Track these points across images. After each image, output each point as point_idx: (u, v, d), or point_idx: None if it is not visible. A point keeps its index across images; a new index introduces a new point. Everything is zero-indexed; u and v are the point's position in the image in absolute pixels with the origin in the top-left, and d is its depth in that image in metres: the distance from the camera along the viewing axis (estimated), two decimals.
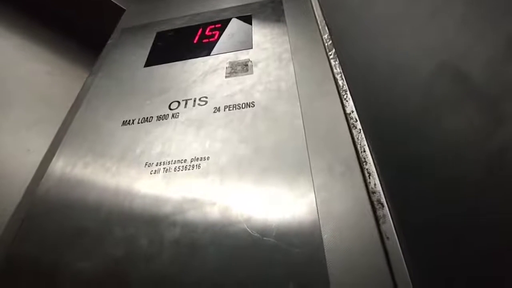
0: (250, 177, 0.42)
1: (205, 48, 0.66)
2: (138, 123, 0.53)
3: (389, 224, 0.35)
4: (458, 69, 0.26)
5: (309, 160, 0.42)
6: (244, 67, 0.58)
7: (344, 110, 0.47)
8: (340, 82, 0.51)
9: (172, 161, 0.46)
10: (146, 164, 0.47)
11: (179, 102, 0.55)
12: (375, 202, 0.37)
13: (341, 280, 0.33)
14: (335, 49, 0.56)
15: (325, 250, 0.35)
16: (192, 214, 0.40)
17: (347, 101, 0.48)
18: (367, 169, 0.40)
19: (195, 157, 0.46)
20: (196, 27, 0.72)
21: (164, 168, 0.46)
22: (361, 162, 0.41)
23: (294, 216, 0.37)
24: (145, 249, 0.38)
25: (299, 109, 0.48)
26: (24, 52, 0.84)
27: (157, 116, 0.54)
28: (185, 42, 0.69)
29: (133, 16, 0.85)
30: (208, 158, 0.45)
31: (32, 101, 0.77)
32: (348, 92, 0.49)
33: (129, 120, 0.54)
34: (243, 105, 0.51)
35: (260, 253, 0.35)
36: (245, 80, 0.56)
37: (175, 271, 0.36)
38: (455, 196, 0.27)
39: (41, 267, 0.39)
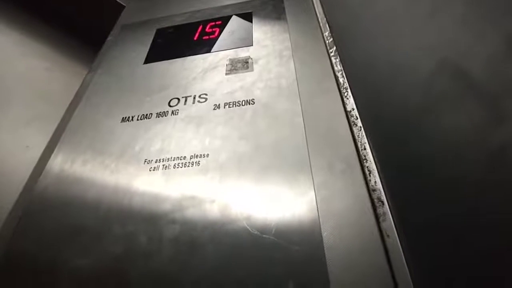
0: (250, 175, 0.42)
1: (205, 45, 0.65)
2: (138, 120, 0.53)
3: (389, 222, 0.35)
4: (458, 67, 0.26)
5: (309, 157, 0.42)
6: (245, 64, 0.58)
7: (345, 108, 0.47)
8: (340, 80, 0.51)
9: (171, 158, 0.46)
10: (145, 161, 0.46)
11: (178, 99, 0.55)
12: (376, 200, 0.37)
13: (341, 278, 0.33)
14: (336, 47, 0.56)
15: (325, 248, 0.35)
16: (192, 212, 0.40)
17: (347, 98, 0.48)
18: (367, 167, 0.40)
19: (194, 154, 0.46)
20: (196, 24, 0.72)
21: (163, 165, 0.45)
22: (361, 160, 0.41)
23: (294, 214, 0.37)
24: (144, 247, 0.38)
25: (300, 106, 0.48)
26: (23, 48, 0.84)
27: (157, 113, 0.53)
28: (185, 39, 0.69)
29: (133, 12, 0.84)
30: (207, 155, 0.45)
31: (31, 97, 0.77)
32: (348, 90, 0.49)
33: (129, 117, 0.54)
34: (243, 102, 0.51)
35: (260, 251, 0.35)
36: (245, 77, 0.55)
37: (174, 269, 0.36)
38: (456, 194, 0.27)
39: (39, 264, 0.39)
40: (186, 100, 0.54)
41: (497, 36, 0.22)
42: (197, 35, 0.69)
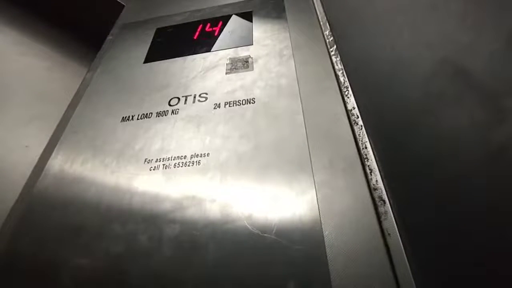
0: (250, 174, 0.42)
1: (205, 44, 0.65)
2: (138, 119, 0.53)
3: (390, 220, 0.35)
4: (459, 65, 0.26)
5: (310, 156, 0.42)
6: (245, 64, 0.58)
7: (346, 107, 0.47)
8: (341, 79, 0.51)
9: (171, 157, 0.46)
10: (145, 161, 0.46)
11: (179, 98, 0.55)
12: (377, 199, 0.37)
13: (342, 277, 0.33)
14: (336, 45, 0.56)
15: (326, 247, 0.35)
16: (192, 211, 0.40)
17: (348, 97, 0.48)
18: (368, 166, 0.40)
19: (195, 154, 0.46)
20: (196, 23, 0.72)
21: (163, 165, 0.45)
22: (362, 159, 0.41)
23: (295, 213, 0.37)
24: (144, 246, 0.38)
25: (300, 105, 0.48)
26: (23, 47, 0.84)
27: (157, 112, 0.53)
28: (185, 38, 0.69)
29: (133, 12, 0.84)
30: (208, 154, 0.45)
31: (30, 97, 0.77)
32: (349, 89, 0.49)
33: (129, 116, 0.54)
34: (244, 101, 0.51)
35: (261, 250, 0.35)
36: (246, 77, 0.55)
37: (174, 268, 0.36)
38: (456, 193, 0.26)
39: (40, 263, 0.39)
40: (186, 100, 0.54)
41: (498, 33, 0.22)
42: (197, 34, 0.69)
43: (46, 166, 0.49)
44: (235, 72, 0.57)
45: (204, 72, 0.59)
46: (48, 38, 0.90)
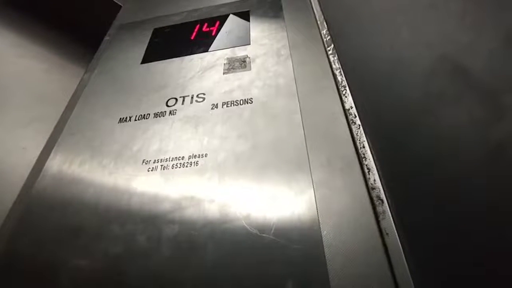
0: (248, 174, 0.42)
1: (202, 44, 0.65)
2: (135, 120, 0.53)
3: (388, 220, 0.35)
4: (457, 64, 0.26)
5: (308, 156, 0.42)
6: (242, 63, 0.58)
7: (343, 106, 0.47)
8: (339, 78, 0.50)
9: (169, 158, 0.46)
10: (143, 162, 0.46)
11: (176, 99, 0.55)
12: (375, 198, 0.37)
13: (341, 276, 0.33)
14: (334, 45, 0.56)
15: (325, 246, 0.35)
16: (191, 211, 0.40)
17: (346, 96, 0.48)
18: (366, 165, 0.40)
19: (193, 154, 0.46)
20: (194, 23, 0.72)
21: (161, 166, 0.45)
22: (360, 158, 0.41)
23: (293, 213, 0.37)
24: (143, 246, 0.38)
25: (298, 105, 0.48)
26: (21, 50, 0.83)
27: (154, 113, 0.53)
28: (182, 39, 0.68)
29: (130, 12, 0.84)
30: (206, 155, 0.45)
31: (28, 99, 0.76)
32: (347, 88, 0.48)
33: (126, 118, 0.54)
34: (241, 101, 0.51)
35: (259, 250, 0.35)
36: (243, 76, 0.55)
37: (173, 268, 0.36)
38: (455, 192, 0.26)
39: (39, 264, 0.39)
40: (184, 100, 0.54)
41: (497, 32, 0.22)
42: (194, 34, 0.69)
43: (44, 167, 0.49)
44: (232, 72, 0.57)
45: (202, 72, 0.59)
46: (45, 40, 0.90)
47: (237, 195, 0.40)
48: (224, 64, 0.59)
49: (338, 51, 0.54)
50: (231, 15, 0.71)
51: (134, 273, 0.36)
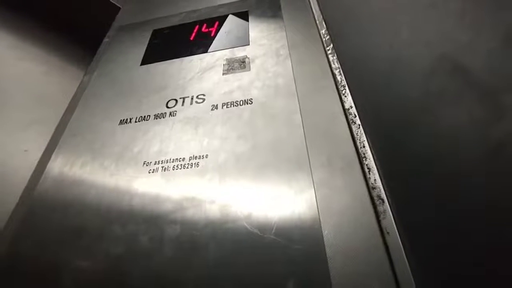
0: (249, 174, 0.42)
1: (201, 45, 0.65)
2: (136, 122, 0.53)
3: (389, 219, 0.35)
4: (457, 63, 0.26)
5: (308, 156, 0.42)
6: (241, 64, 0.58)
7: (343, 106, 0.47)
8: (338, 77, 0.51)
9: (170, 159, 0.46)
10: (144, 163, 0.46)
11: (176, 100, 0.55)
12: (375, 198, 0.37)
13: (342, 275, 0.33)
14: (333, 44, 0.56)
15: (326, 246, 0.35)
16: (192, 212, 0.40)
17: (345, 96, 0.48)
18: (366, 165, 0.40)
19: (193, 155, 0.46)
20: (193, 24, 0.72)
21: (162, 167, 0.45)
22: (360, 158, 0.41)
23: (294, 213, 0.37)
24: (145, 247, 0.38)
25: (298, 105, 0.48)
26: (20, 52, 0.83)
27: (155, 115, 0.53)
28: (181, 40, 0.68)
29: (129, 14, 0.84)
30: (206, 156, 0.45)
31: (28, 101, 0.77)
32: (346, 87, 0.49)
33: (126, 119, 0.54)
34: (241, 102, 0.51)
35: (260, 250, 0.35)
36: (243, 77, 0.55)
37: (175, 269, 0.36)
38: (456, 191, 0.27)
39: (41, 266, 0.39)
40: (183, 101, 0.54)
41: (496, 31, 0.22)
42: (193, 35, 0.69)
43: (46, 169, 0.49)
44: (232, 73, 0.57)
45: (201, 73, 0.59)
46: (44, 42, 0.90)
47: (238, 195, 0.40)
48: (223, 64, 0.59)
49: (337, 50, 0.54)
50: (230, 16, 0.71)
51: (136, 274, 0.36)
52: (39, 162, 0.52)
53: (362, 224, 0.36)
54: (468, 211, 0.25)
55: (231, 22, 0.69)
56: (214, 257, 0.36)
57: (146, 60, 0.65)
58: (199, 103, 0.53)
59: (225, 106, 0.51)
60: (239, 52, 0.61)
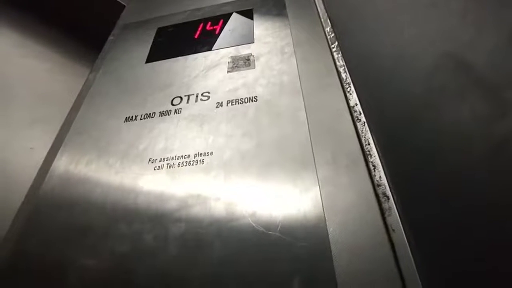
0: (254, 172, 0.42)
1: (206, 43, 0.65)
2: (141, 119, 0.53)
3: (394, 216, 0.35)
4: (460, 60, 0.26)
5: (313, 153, 0.42)
6: (246, 62, 0.58)
7: (348, 103, 0.47)
8: (343, 75, 0.51)
9: (175, 156, 0.46)
10: (149, 160, 0.47)
11: (181, 98, 0.55)
12: (381, 195, 0.37)
13: (347, 272, 0.33)
14: (338, 42, 0.56)
15: (331, 243, 0.35)
16: (197, 210, 0.40)
17: (350, 94, 0.48)
18: (372, 162, 0.40)
19: (198, 153, 0.46)
20: (197, 22, 0.72)
21: (167, 164, 0.45)
22: (365, 155, 0.41)
23: (299, 210, 0.37)
24: (150, 245, 0.38)
25: (302, 102, 0.48)
26: (24, 49, 0.84)
27: (160, 112, 0.53)
28: (186, 37, 0.69)
29: (133, 12, 0.84)
30: (211, 153, 0.45)
31: (33, 99, 0.77)
32: (351, 85, 0.49)
33: (132, 117, 0.54)
34: (246, 99, 0.51)
35: (266, 247, 0.35)
36: (248, 75, 0.55)
37: (180, 267, 0.36)
38: (459, 187, 0.27)
39: (47, 264, 0.39)
40: (188, 99, 0.54)
41: (498, 31, 0.22)
42: (198, 33, 0.69)
43: (51, 167, 0.49)
44: (236, 71, 0.57)
45: (206, 71, 0.59)
46: (49, 40, 0.90)
47: (243, 193, 0.40)
48: (228, 62, 0.59)
49: (342, 48, 0.54)
50: (234, 14, 0.71)
51: (142, 272, 0.36)
52: (44, 160, 0.52)
53: (368, 221, 0.36)
54: (473, 207, 0.25)
55: (236, 20, 0.69)
56: (219, 255, 0.36)
57: (151, 58, 0.65)
58: (204, 100, 0.53)
59: (230, 103, 0.51)
60: (244, 50, 0.61)
